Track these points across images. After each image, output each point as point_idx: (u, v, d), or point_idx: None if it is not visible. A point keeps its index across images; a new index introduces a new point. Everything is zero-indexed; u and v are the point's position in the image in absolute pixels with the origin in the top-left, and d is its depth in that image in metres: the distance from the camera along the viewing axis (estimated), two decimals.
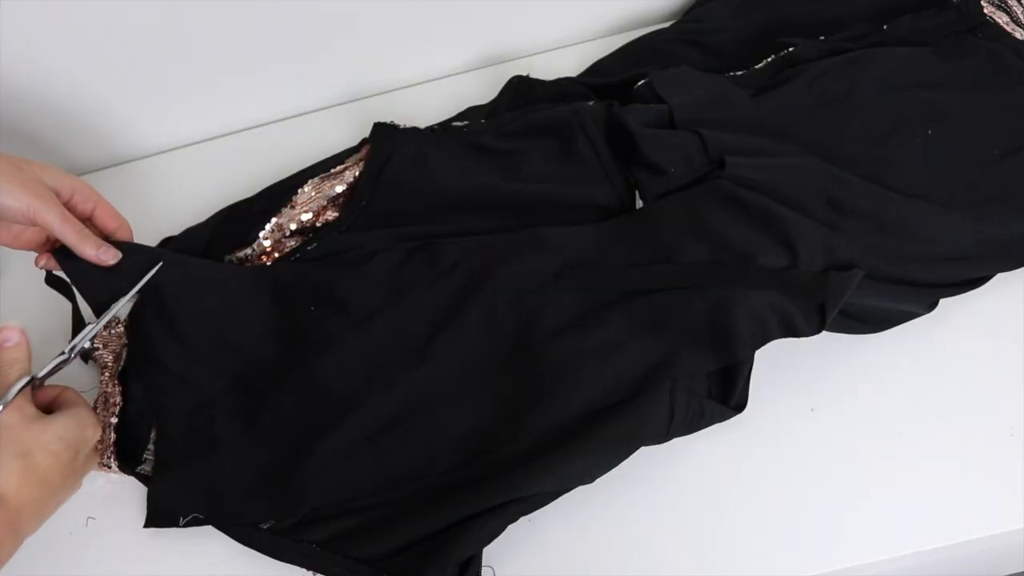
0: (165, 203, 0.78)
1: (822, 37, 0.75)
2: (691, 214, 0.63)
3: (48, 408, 0.57)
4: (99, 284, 0.61)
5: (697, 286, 0.61)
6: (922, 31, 0.75)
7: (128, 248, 0.62)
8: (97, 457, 0.59)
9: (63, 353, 0.59)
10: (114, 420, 0.62)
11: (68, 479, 0.55)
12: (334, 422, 0.60)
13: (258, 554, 0.58)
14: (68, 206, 0.59)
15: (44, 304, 0.67)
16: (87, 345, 0.60)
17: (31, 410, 0.54)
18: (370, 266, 0.66)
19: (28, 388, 0.54)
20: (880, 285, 0.62)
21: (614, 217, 0.67)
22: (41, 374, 0.57)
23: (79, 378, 0.64)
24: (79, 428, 0.55)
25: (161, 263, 0.63)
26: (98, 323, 0.61)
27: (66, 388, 0.59)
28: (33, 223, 0.58)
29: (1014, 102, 0.71)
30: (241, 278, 0.66)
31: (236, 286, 0.66)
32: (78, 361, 0.64)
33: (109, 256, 0.60)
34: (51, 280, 0.64)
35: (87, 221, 0.61)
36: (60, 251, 0.60)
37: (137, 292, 0.62)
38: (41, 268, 0.62)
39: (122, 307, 0.62)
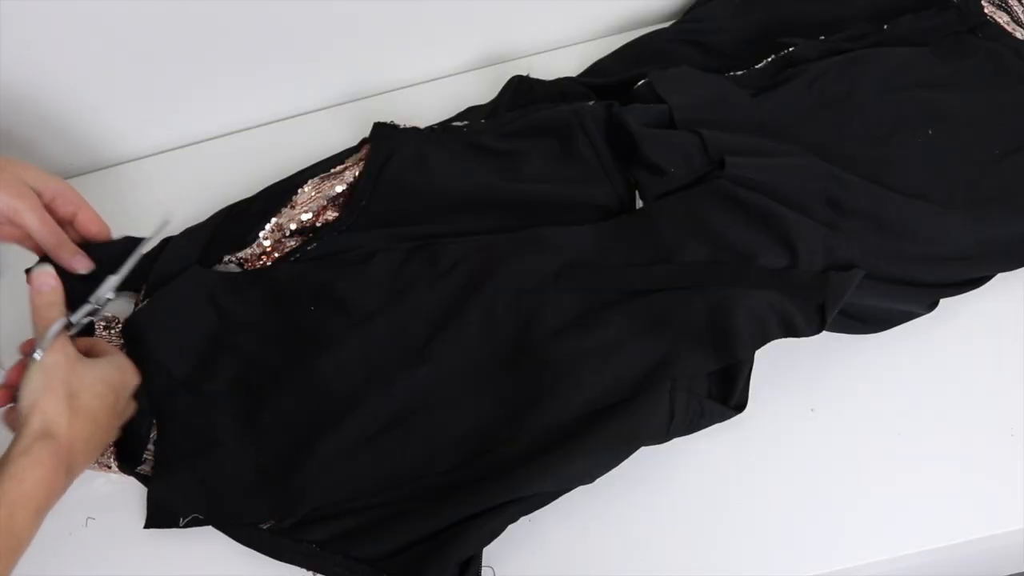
0: (164, 203, 0.77)
1: (822, 37, 0.75)
2: (691, 214, 0.63)
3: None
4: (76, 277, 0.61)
5: (697, 286, 0.61)
6: (922, 31, 0.75)
7: (109, 243, 0.62)
8: (135, 404, 0.60)
9: (89, 302, 0.59)
10: None
11: (112, 420, 0.56)
12: (334, 422, 0.60)
13: (258, 554, 0.58)
14: (49, 208, 0.59)
15: None
16: (110, 296, 0.61)
17: (73, 351, 0.55)
18: (370, 266, 0.66)
19: (66, 332, 0.56)
20: (880, 285, 0.62)
21: (614, 217, 0.67)
22: (75, 319, 0.57)
23: None
24: (119, 372, 0.57)
25: (167, 221, 0.64)
26: (123, 269, 0.61)
27: (96, 339, 0.62)
28: (12, 223, 0.57)
29: (1014, 102, 0.71)
30: (240, 280, 0.66)
31: (236, 286, 0.66)
32: None
33: (82, 265, 0.60)
34: None
35: (68, 224, 0.61)
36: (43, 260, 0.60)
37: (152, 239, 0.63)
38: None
39: (122, 305, 0.62)
